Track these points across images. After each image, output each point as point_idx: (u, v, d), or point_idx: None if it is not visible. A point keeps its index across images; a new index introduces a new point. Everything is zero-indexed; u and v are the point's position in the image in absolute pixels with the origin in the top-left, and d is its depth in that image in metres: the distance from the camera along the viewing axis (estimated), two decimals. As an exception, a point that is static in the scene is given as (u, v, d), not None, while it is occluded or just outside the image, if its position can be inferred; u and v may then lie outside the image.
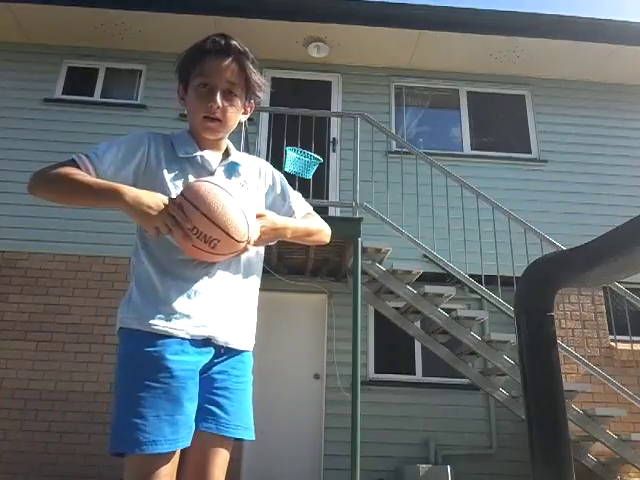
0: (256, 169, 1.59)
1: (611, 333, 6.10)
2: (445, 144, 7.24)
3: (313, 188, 5.52)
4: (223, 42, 1.45)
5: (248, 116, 1.60)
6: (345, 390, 5.50)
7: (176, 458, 1.29)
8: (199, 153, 1.49)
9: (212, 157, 1.51)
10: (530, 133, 7.24)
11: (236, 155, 1.58)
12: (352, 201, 5.12)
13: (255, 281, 1.52)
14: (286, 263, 5.83)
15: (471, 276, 4.96)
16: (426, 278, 5.19)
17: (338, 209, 6.36)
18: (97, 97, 7.04)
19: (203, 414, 1.34)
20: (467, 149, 7.16)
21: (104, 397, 5.47)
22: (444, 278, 5.59)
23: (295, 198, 1.64)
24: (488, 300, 4.98)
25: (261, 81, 1.52)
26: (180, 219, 1.26)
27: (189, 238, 1.27)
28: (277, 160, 4.63)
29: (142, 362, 1.30)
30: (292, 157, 5.09)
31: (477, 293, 5.04)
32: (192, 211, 1.26)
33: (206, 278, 1.38)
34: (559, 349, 0.81)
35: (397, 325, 5.16)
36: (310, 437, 5.83)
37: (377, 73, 7.29)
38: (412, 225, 5.00)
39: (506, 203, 5.33)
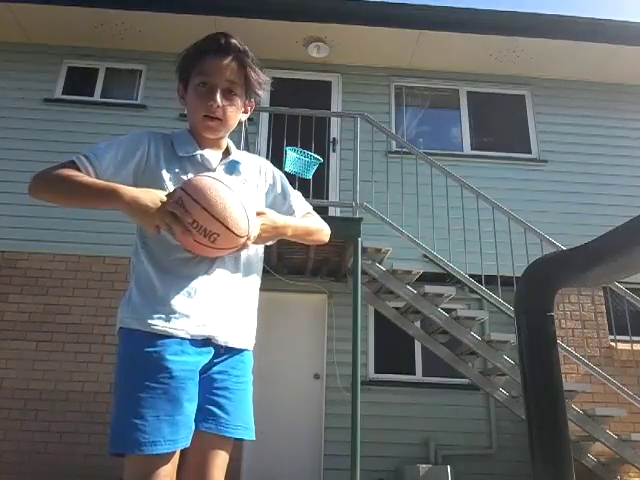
0: (256, 168, 1.59)
1: (611, 333, 6.10)
2: (445, 144, 7.24)
3: (313, 188, 5.52)
4: (223, 41, 1.45)
5: (248, 115, 1.59)
6: (345, 390, 5.50)
7: (176, 458, 1.29)
8: (199, 152, 1.49)
9: (212, 156, 1.51)
10: (530, 133, 7.25)
11: (237, 154, 1.57)
12: (352, 201, 5.12)
13: (255, 280, 1.51)
14: (286, 263, 5.83)
15: (471, 276, 4.96)
16: (426, 278, 5.20)
17: (338, 209, 6.36)
18: (97, 97, 7.04)
19: (203, 414, 1.34)
20: (467, 149, 7.16)
21: (104, 397, 5.47)
22: (444, 278, 5.59)
23: (295, 197, 1.64)
24: (488, 300, 4.98)
25: (261, 79, 1.52)
26: (180, 214, 1.26)
27: (189, 233, 1.27)
28: (277, 160, 4.62)
29: (142, 362, 1.30)
30: (292, 157, 5.09)
31: (477, 293, 5.04)
32: (192, 205, 1.25)
33: (206, 277, 1.38)
34: (559, 349, 0.81)
35: (397, 325, 5.16)
36: (310, 437, 5.83)
37: (377, 73, 7.29)
38: (412, 225, 5.00)
39: (506, 203, 5.33)
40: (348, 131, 6.30)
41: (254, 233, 1.34)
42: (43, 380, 5.71)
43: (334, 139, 6.92)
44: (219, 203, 1.26)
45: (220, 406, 1.36)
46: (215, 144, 1.53)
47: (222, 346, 1.39)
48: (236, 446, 1.42)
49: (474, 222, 5.01)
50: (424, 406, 5.95)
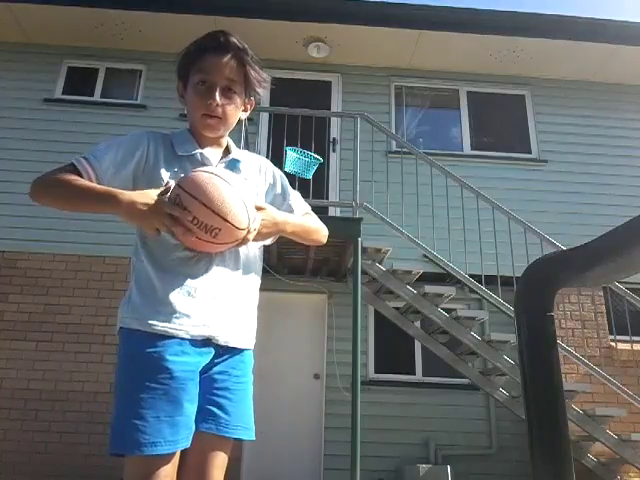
0: (256, 167, 1.59)
1: (611, 333, 6.09)
2: (445, 144, 7.24)
3: (313, 188, 5.52)
4: (222, 39, 1.44)
5: (248, 113, 1.59)
6: (345, 390, 5.50)
7: (176, 459, 1.29)
8: (198, 150, 1.48)
9: (212, 154, 1.51)
10: (530, 133, 7.25)
11: (237, 152, 1.57)
12: (352, 201, 5.12)
13: (255, 280, 1.51)
14: (286, 263, 5.83)
15: (471, 276, 4.96)
16: (426, 278, 5.20)
17: (338, 209, 6.36)
18: (97, 97, 7.05)
19: (203, 415, 1.34)
20: (467, 149, 7.16)
21: (104, 397, 5.47)
22: (444, 278, 5.59)
23: (295, 197, 1.64)
24: (488, 300, 4.98)
25: (261, 77, 1.51)
26: (179, 214, 1.25)
27: (190, 233, 1.26)
28: (277, 160, 4.61)
29: (142, 363, 1.29)
30: (292, 157, 5.09)
31: (477, 293, 5.04)
32: (191, 201, 1.24)
33: (205, 276, 1.38)
34: (559, 349, 0.81)
35: (397, 325, 5.16)
36: (310, 437, 5.83)
37: (377, 73, 7.29)
38: (412, 225, 5.00)
39: (506, 203, 5.33)
40: (348, 131, 6.30)
41: (254, 226, 1.33)
42: (43, 380, 5.72)
43: (334, 139, 6.92)
44: (218, 197, 1.25)
45: (220, 406, 1.36)
46: (215, 142, 1.53)
47: (222, 346, 1.39)
48: (236, 446, 1.42)
49: (474, 222, 5.01)
50: (424, 406, 5.95)
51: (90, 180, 1.36)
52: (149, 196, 1.30)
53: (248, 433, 1.40)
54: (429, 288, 4.92)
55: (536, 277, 0.81)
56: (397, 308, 5.23)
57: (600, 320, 6.21)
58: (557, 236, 5.16)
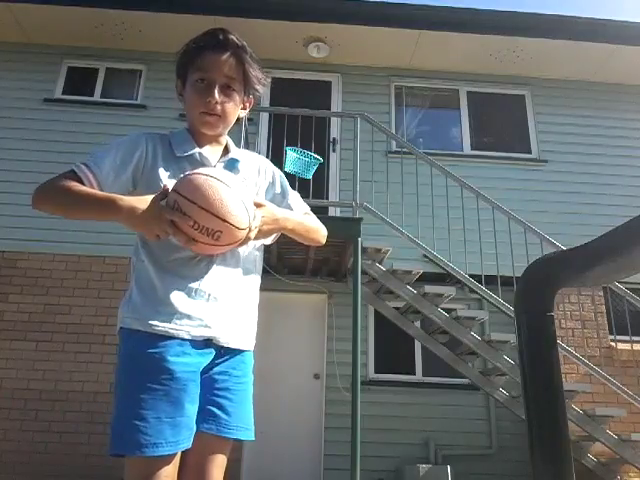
0: (256, 166, 1.58)
1: (611, 333, 6.09)
2: (445, 144, 7.24)
3: (313, 188, 5.52)
4: (221, 36, 1.44)
5: (247, 111, 1.58)
6: (345, 390, 5.50)
7: (177, 460, 1.29)
8: (197, 150, 1.48)
9: (211, 154, 1.50)
10: (530, 133, 7.25)
11: (236, 152, 1.56)
12: (352, 201, 5.12)
13: (255, 280, 1.51)
14: (286, 263, 5.83)
15: (471, 276, 4.96)
16: (426, 278, 5.20)
17: (338, 209, 6.36)
18: (97, 97, 7.04)
19: (204, 415, 1.34)
20: (467, 149, 7.16)
21: (104, 397, 5.47)
22: (444, 278, 5.59)
23: (294, 197, 1.63)
24: (488, 300, 4.98)
25: (260, 75, 1.51)
26: (179, 219, 1.24)
27: (193, 241, 1.26)
28: (277, 160, 4.61)
29: (143, 363, 1.29)
30: (292, 157, 5.09)
31: (477, 293, 5.03)
32: (189, 206, 1.23)
33: (206, 277, 1.38)
34: (559, 349, 0.81)
35: (397, 325, 5.16)
36: (310, 437, 5.83)
37: (377, 73, 7.29)
38: (412, 225, 5.00)
39: (506, 203, 5.33)
40: (348, 131, 6.30)
41: (255, 224, 1.32)
42: (43, 380, 5.71)
43: (334, 139, 6.92)
44: (216, 200, 1.23)
45: (221, 407, 1.36)
46: (214, 141, 1.52)
47: (223, 347, 1.39)
48: (236, 446, 1.42)
49: (474, 222, 5.01)
50: (424, 406, 5.95)
51: (92, 186, 1.35)
52: (147, 201, 1.29)
53: (248, 433, 1.40)
54: (429, 288, 4.92)
55: (536, 277, 0.81)
56: (397, 308, 5.23)
57: (600, 320, 6.21)
58: (557, 236, 5.16)
